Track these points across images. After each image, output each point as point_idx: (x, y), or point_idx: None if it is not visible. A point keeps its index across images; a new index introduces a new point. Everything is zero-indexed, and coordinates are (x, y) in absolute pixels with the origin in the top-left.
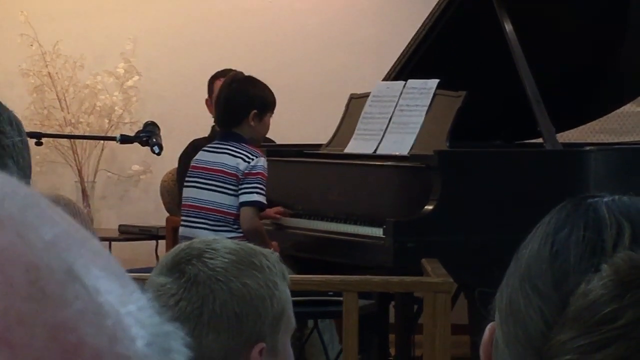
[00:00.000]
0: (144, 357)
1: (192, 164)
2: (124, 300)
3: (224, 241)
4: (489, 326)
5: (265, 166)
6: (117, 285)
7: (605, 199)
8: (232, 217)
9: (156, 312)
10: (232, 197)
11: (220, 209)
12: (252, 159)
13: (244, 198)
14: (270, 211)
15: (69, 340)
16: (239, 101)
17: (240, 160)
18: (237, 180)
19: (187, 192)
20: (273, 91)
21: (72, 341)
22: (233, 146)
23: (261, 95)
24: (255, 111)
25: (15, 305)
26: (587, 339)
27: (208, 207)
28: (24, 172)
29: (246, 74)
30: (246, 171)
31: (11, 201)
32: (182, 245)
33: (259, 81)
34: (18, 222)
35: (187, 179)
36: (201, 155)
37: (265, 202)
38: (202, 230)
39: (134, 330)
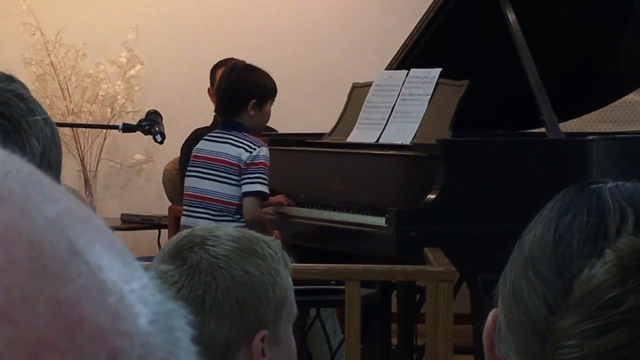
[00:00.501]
0: (146, 334)
1: (193, 154)
2: (127, 278)
3: (225, 229)
4: (491, 312)
5: (268, 156)
6: (119, 263)
7: (609, 185)
8: (234, 207)
9: (159, 290)
10: (234, 187)
11: (222, 199)
12: (255, 149)
13: (246, 188)
14: (273, 199)
15: (72, 317)
16: (238, 90)
17: (242, 150)
18: (239, 170)
19: (188, 182)
20: (275, 80)
21: (75, 318)
22: (235, 136)
23: (261, 83)
24: (254, 100)
25: (18, 282)
26: (590, 324)
27: (210, 197)
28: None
29: (241, 62)
30: (248, 161)
31: (14, 178)
32: (183, 232)
33: (258, 69)
34: (21, 199)
35: (189, 168)
36: (203, 145)
37: (267, 192)
38: (204, 220)
39: (136, 307)
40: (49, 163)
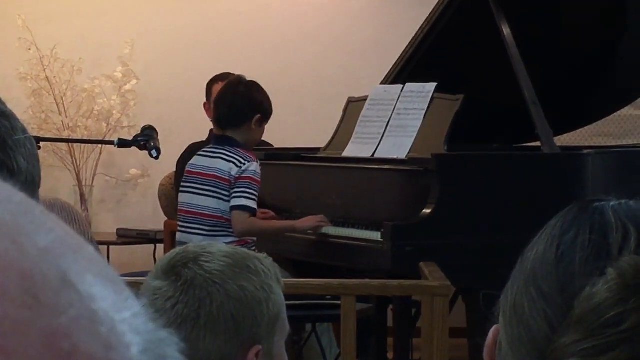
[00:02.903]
0: None
1: (187, 169)
2: (119, 307)
3: (218, 245)
4: (493, 328)
5: (258, 171)
6: (111, 292)
7: (612, 203)
8: (228, 222)
9: (150, 318)
10: (226, 202)
11: (215, 214)
12: (244, 164)
13: (232, 202)
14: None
15: (64, 348)
16: (246, 103)
17: (232, 165)
18: (229, 185)
19: (182, 198)
20: (270, 94)
21: (67, 349)
22: (227, 151)
23: (266, 101)
24: (259, 116)
25: (10, 313)
26: (591, 342)
27: (203, 212)
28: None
29: (244, 77)
30: (237, 175)
31: (5, 207)
32: (176, 250)
33: (263, 88)
34: (12, 228)
35: (182, 184)
36: (196, 160)
37: (254, 206)
38: (198, 236)
39: (128, 337)
40: (33, 179)
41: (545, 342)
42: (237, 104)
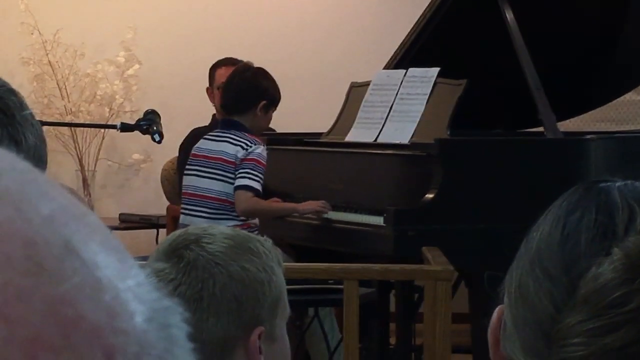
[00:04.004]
0: (142, 332)
1: (192, 152)
2: (123, 275)
3: (219, 227)
4: (497, 308)
5: (263, 154)
6: (115, 260)
7: (618, 184)
8: (231, 205)
9: (154, 287)
10: (231, 185)
11: (220, 197)
12: (251, 147)
13: (237, 182)
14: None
15: (67, 315)
16: (252, 89)
17: (239, 148)
18: (235, 168)
19: (187, 180)
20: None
21: (70, 316)
22: (235, 134)
23: (273, 88)
24: (264, 102)
25: (13, 280)
26: (596, 322)
27: (208, 195)
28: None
29: (252, 63)
30: (242, 157)
31: (9, 176)
32: (177, 232)
33: (270, 75)
34: (16, 196)
35: (187, 167)
36: (202, 144)
37: (258, 187)
38: (201, 219)
39: (132, 305)
40: (40, 157)
41: (550, 322)
42: (243, 89)
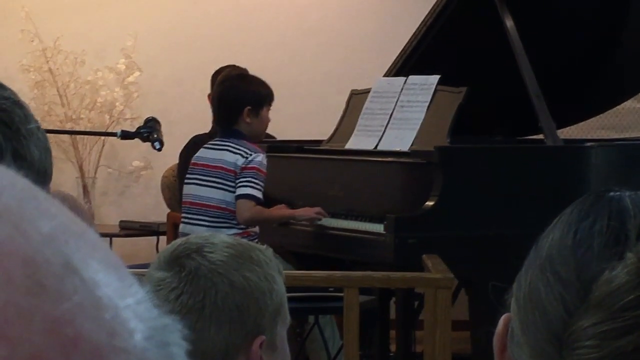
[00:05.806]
0: (142, 350)
1: (192, 161)
2: (122, 294)
3: (220, 236)
4: (503, 316)
5: (264, 162)
6: (115, 278)
7: (628, 193)
8: (232, 214)
9: (154, 305)
10: (232, 194)
11: (220, 206)
12: (250, 155)
13: (237, 191)
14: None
15: (68, 334)
16: (231, 99)
17: (239, 156)
18: (235, 177)
19: (187, 189)
20: (273, 87)
21: (71, 335)
22: (234, 143)
23: (254, 90)
24: (248, 107)
25: (13, 299)
26: (610, 324)
27: (208, 203)
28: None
29: (246, 70)
30: (242, 166)
31: (9, 193)
32: (178, 240)
33: (251, 76)
34: (15, 214)
35: (187, 175)
36: (202, 153)
37: (259, 196)
38: (201, 227)
39: (132, 323)
40: (45, 170)
41: (561, 326)
42: (223, 101)
